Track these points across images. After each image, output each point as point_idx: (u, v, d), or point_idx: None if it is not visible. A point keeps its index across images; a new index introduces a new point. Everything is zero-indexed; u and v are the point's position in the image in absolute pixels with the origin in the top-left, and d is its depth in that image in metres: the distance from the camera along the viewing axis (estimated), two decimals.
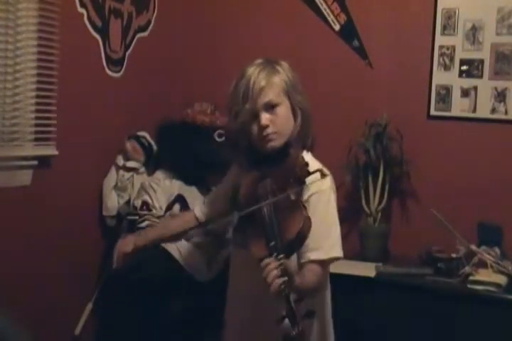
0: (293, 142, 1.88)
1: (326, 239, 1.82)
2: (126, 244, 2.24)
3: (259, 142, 1.87)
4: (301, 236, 1.73)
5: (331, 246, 1.84)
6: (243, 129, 1.87)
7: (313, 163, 1.89)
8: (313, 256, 1.80)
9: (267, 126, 1.83)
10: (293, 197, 1.76)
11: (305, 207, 1.79)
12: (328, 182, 1.88)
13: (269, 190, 1.78)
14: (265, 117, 1.83)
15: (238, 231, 1.86)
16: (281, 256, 1.58)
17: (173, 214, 2.88)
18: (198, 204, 2.24)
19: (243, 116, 1.84)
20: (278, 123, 1.84)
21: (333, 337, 2.05)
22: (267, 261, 1.58)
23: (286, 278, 1.53)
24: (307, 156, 1.91)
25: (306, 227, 1.74)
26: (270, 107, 1.84)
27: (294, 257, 1.81)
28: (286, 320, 1.48)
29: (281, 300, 1.51)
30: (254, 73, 1.83)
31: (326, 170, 1.85)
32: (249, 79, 1.83)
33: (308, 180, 1.80)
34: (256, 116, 1.84)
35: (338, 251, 1.86)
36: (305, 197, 1.83)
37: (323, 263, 1.83)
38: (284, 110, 1.86)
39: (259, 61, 1.89)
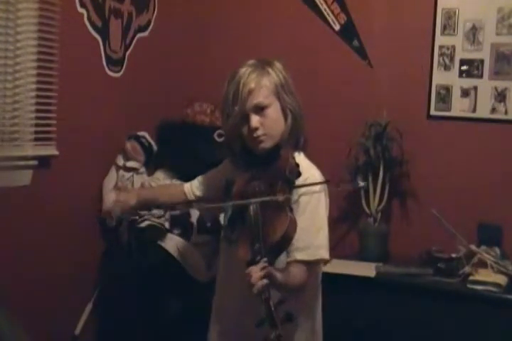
0: (284, 143, 1.88)
1: (313, 240, 1.82)
2: (129, 196, 2.17)
3: (250, 143, 1.88)
4: (286, 239, 1.73)
5: (318, 248, 1.84)
6: (235, 131, 1.88)
7: (305, 164, 1.89)
8: (299, 256, 1.80)
9: (256, 128, 1.84)
10: (281, 199, 1.76)
11: (291, 209, 1.79)
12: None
13: (258, 191, 1.79)
14: (255, 119, 1.84)
15: (229, 227, 1.88)
16: (265, 259, 1.59)
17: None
18: (189, 183, 2.22)
19: (234, 118, 1.85)
20: (268, 125, 1.85)
21: (321, 338, 2.04)
22: (250, 268, 1.58)
23: (267, 281, 1.53)
24: (299, 157, 1.91)
25: (291, 230, 1.73)
26: (260, 109, 1.85)
27: (283, 257, 1.81)
28: (266, 324, 1.47)
29: (262, 303, 1.51)
30: (245, 75, 1.84)
31: (314, 171, 1.88)
32: (239, 80, 1.84)
33: (298, 181, 1.81)
34: (246, 118, 1.85)
35: (324, 253, 1.85)
36: (295, 197, 1.82)
37: (309, 264, 1.83)
38: (273, 112, 1.86)
39: (250, 62, 1.90)
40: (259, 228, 1.68)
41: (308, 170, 1.88)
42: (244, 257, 1.65)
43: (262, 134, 1.85)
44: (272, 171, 1.83)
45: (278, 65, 1.91)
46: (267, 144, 1.87)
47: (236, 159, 1.97)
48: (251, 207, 1.73)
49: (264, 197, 1.76)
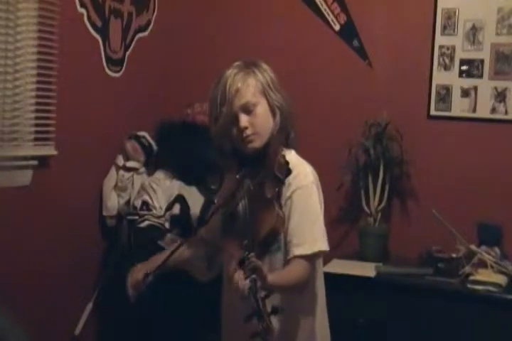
0: (273, 141, 1.89)
1: (309, 233, 1.83)
2: (136, 272, 2.15)
3: (240, 144, 1.88)
4: (273, 233, 1.77)
5: (315, 241, 1.83)
6: (224, 132, 1.89)
7: (295, 161, 1.89)
8: (297, 251, 1.80)
9: (246, 128, 1.85)
10: (269, 195, 1.79)
11: (280, 205, 1.81)
12: (311, 177, 1.88)
13: (247, 190, 1.81)
14: (244, 119, 1.85)
15: (222, 229, 1.90)
16: (252, 254, 1.57)
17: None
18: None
19: (222, 120, 1.86)
20: (257, 124, 1.86)
21: (328, 337, 2.03)
22: (234, 273, 1.56)
23: (254, 276, 1.52)
24: (290, 154, 1.91)
25: (279, 224, 1.78)
26: (248, 108, 1.86)
27: (279, 255, 1.83)
28: (254, 318, 1.47)
29: (249, 299, 1.50)
30: (231, 76, 1.86)
31: (305, 166, 1.88)
32: (225, 82, 1.86)
33: (289, 178, 1.83)
34: (235, 119, 1.85)
35: (322, 245, 1.85)
36: (288, 194, 1.84)
37: (309, 258, 1.82)
38: (261, 110, 1.87)
39: (236, 63, 1.91)
40: (249, 225, 1.72)
41: (299, 167, 1.88)
42: (234, 255, 1.67)
43: (252, 133, 1.86)
44: (261, 170, 1.84)
45: (263, 65, 1.93)
46: (257, 143, 1.87)
47: (227, 161, 1.98)
48: (240, 205, 1.77)
49: (253, 195, 1.78)
